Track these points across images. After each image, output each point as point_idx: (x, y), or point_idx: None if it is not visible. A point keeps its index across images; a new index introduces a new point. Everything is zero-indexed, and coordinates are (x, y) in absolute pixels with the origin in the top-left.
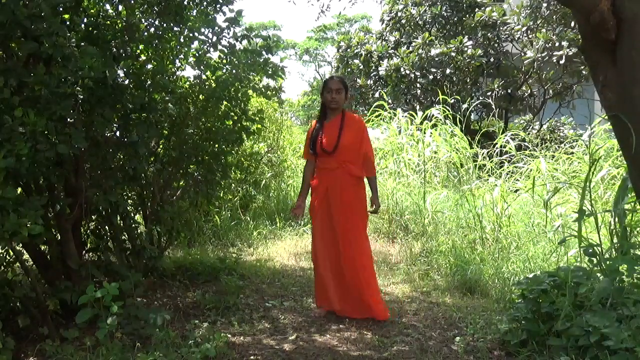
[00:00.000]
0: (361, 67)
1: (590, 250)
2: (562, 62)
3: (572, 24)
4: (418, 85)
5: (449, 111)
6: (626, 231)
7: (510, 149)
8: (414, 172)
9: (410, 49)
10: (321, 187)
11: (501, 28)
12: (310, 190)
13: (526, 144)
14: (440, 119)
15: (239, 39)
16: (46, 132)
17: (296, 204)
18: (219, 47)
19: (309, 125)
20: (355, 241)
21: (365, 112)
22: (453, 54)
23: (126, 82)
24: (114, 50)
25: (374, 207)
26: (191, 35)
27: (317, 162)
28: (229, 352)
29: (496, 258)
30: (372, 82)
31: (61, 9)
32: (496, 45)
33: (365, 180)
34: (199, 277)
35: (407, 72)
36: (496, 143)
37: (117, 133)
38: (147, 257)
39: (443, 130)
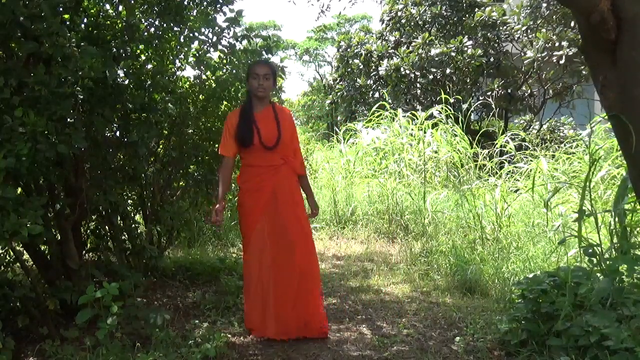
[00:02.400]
0: (361, 67)
1: (590, 250)
2: (562, 62)
3: (572, 24)
4: (418, 85)
5: (450, 111)
6: (626, 231)
7: (510, 149)
8: (414, 172)
9: (410, 49)
10: (267, 188)
11: (501, 28)
12: (240, 192)
13: (526, 144)
14: (442, 119)
15: (239, 39)
16: (46, 132)
17: (216, 209)
18: (219, 47)
19: (225, 118)
20: (311, 247)
21: (366, 112)
22: (453, 54)
23: (126, 82)
24: (114, 50)
25: (314, 210)
26: (191, 35)
27: (252, 160)
28: (229, 352)
29: (496, 258)
30: (372, 82)
31: (61, 9)
32: (496, 45)
33: None
34: (199, 277)
35: (407, 72)
36: (496, 143)
37: (117, 133)
38: (147, 257)
39: (444, 130)
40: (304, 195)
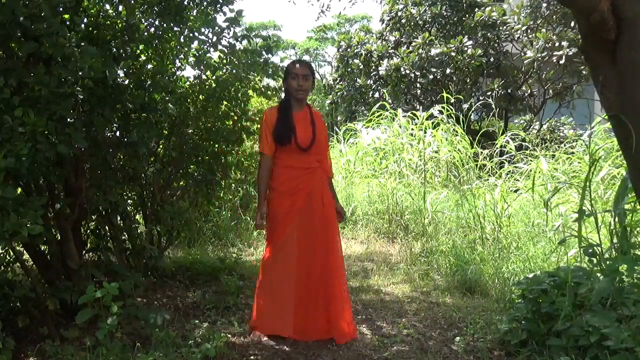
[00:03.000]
0: (361, 67)
1: (590, 250)
2: (562, 62)
3: (572, 24)
4: (418, 85)
5: (452, 110)
6: (626, 231)
7: (510, 149)
8: (414, 172)
9: (410, 48)
10: (302, 192)
11: (501, 28)
12: (272, 193)
13: (526, 144)
14: (443, 119)
15: (239, 39)
16: (46, 132)
17: (260, 213)
18: (219, 47)
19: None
20: (338, 250)
21: (366, 112)
22: (453, 54)
23: (126, 82)
24: (114, 50)
25: (341, 213)
26: (191, 35)
27: (288, 161)
28: (229, 352)
29: (496, 258)
30: (372, 82)
31: (61, 9)
32: (496, 45)
33: None
34: (199, 277)
35: (407, 72)
36: (496, 143)
37: (117, 133)
38: (147, 257)
39: (446, 129)
40: None
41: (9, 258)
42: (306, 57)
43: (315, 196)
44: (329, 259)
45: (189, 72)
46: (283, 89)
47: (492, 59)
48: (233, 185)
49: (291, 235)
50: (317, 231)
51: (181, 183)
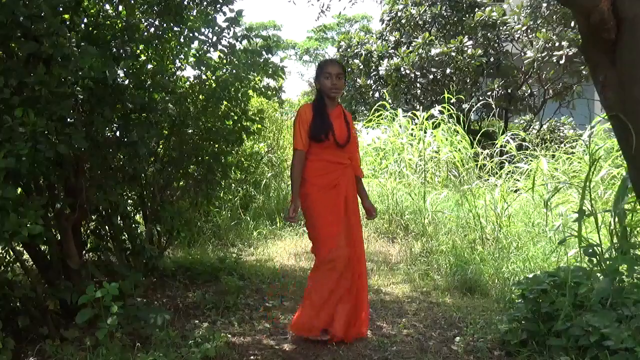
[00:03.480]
0: (361, 67)
1: (590, 250)
2: (562, 62)
3: (572, 24)
4: (418, 85)
5: (453, 110)
6: (626, 231)
7: (510, 148)
8: (414, 172)
9: (410, 48)
10: (341, 187)
11: (501, 28)
12: (310, 188)
13: (526, 144)
14: (444, 119)
15: (239, 39)
16: (46, 132)
17: (292, 206)
18: (219, 47)
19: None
20: (364, 251)
21: (366, 112)
22: (453, 54)
23: (126, 82)
24: (114, 50)
25: (373, 213)
26: (191, 35)
27: (324, 155)
28: (229, 352)
29: (496, 258)
30: (372, 82)
31: (61, 9)
32: (496, 45)
33: None
34: (199, 277)
35: (407, 72)
36: (496, 143)
37: (117, 133)
38: (147, 257)
39: (446, 129)
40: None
41: (9, 258)
42: (306, 57)
43: (350, 193)
44: (362, 259)
45: (189, 72)
46: (315, 88)
47: (492, 59)
48: (233, 185)
49: (346, 229)
50: (357, 230)
51: (181, 183)
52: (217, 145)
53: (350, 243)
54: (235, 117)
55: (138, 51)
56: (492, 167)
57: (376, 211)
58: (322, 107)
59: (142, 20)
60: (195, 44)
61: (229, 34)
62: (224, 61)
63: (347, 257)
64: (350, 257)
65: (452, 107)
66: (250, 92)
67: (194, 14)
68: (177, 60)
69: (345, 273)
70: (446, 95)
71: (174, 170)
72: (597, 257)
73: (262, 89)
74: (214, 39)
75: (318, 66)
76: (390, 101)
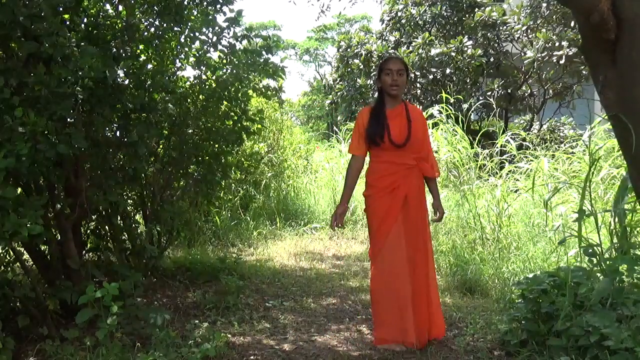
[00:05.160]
0: (361, 67)
1: (590, 250)
2: (562, 62)
3: (572, 24)
4: (418, 85)
5: (451, 110)
6: (626, 231)
7: (511, 148)
8: None
9: (410, 49)
10: (401, 189)
11: (501, 28)
12: (370, 190)
13: (526, 143)
14: (442, 119)
15: (239, 39)
16: (46, 132)
17: (339, 210)
18: (219, 47)
19: (356, 117)
20: (432, 250)
21: None
22: (453, 54)
23: (126, 82)
24: (114, 50)
25: (440, 214)
26: (191, 35)
27: (384, 157)
28: (229, 352)
29: (496, 258)
30: (372, 82)
31: (61, 9)
32: (496, 45)
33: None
34: (199, 277)
35: None
36: (496, 143)
37: (117, 133)
38: (147, 257)
39: (445, 129)
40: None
41: (9, 258)
42: (306, 57)
43: (413, 197)
44: (429, 264)
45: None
46: (377, 87)
47: (492, 59)
48: (233, 185)
49: (398, 235)
50: (419, 233)
51: (181, 183)
52: (217, 145)
53: (411, 245)
54: (235, 117)
55: (138, 51)
56: (492, 167)
57: (443, 214)
58: (379, 108)
59: (142, 20)
60: (196, 44)
61: (229, 34)
62: (224, 61)
63: (405, 259)
64: (413, 259)
65: (451, 107)
66: (250, 92)
67: (194, 14)
68: (177, 60)
69: (404, 276)
70: (444, 95)
71: (174, 170)
72: (597, 257)
73: (262, 89)
74: (214, 39)
75: (379, 66)
76: None
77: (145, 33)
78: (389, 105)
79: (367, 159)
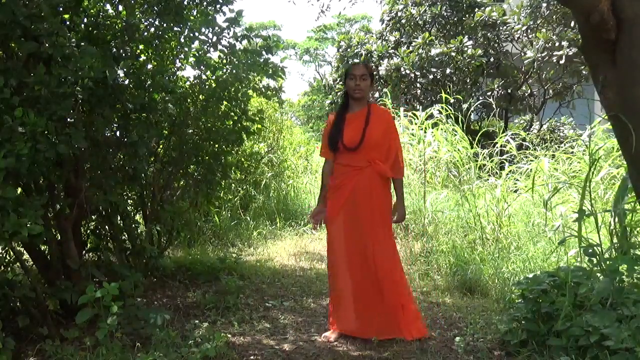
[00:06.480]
0: None
1: (590, 250)
2: (562, 62)
3: (572, 24)
4: (418, 85)
5: (451, 110)
6: (626, 231)
7: (511, 148)
8: (414, 171)
9: (410, 49)
10: (346, 189)
11: (501, 28)
12: (328, 190)
13: (526, 143)
14: (442, 119)
15: (239, 39)
16: (46, 132)
17: (316, 209)
18: (219, 47)
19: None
20: (388, 252)
21: None
22: (453, 54)
23: (126, 82)
24: (114, 50)
25: (398, 215)
26: (191, 35)
27: (340, 159)
28: (229, 352)
29: (496, 258)
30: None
31: (61, 9)
32: (496, 45)
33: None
34: (199, 277)
35: (407, 72)
36: (496, 143)
37: (117, 133)
38: (147, 257)
39: (445, 129)
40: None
41: (9, 258)
42: (306, 57)
43: (361, 195)
44: (375, 260)
45: (189, 72)
46: (344, 92)
47: (492, 59)
48: (233, 185)
49: (338, 233)
50: (362, 232)
51: (181, 183)
52: (217, 145)
53: (354, 243)
54: (235, 117)
55: (138, 51)
56: (492, 167)
57: (403, 216)
58: (342, 113)
59: (142, 20)
60: (195, 44)
61: (229, 34)
62: (224, 61)
63: (343, 256)
64: (354, 258)
65: (451, 107)
66: (250, 92)
67: (194, 14)
68: (177, 60)
69: (343, 271)
70: (444, 95)
71: (174, 170)
72: (597, 257)
73: (262, 89)
74: (214, 39)
75: (344, 71)
76: (390, 101)
77: (145, 33)
78: (353, 109)
79: None
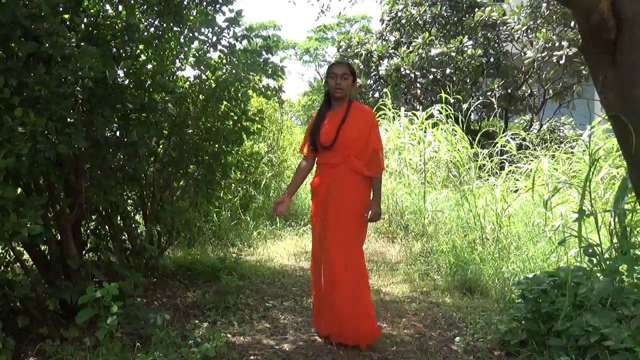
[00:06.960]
0: (361, 67)
1: (590, 250)
2: (562, 62)
3: (572, 24)
4: (418, 85)
5: (450, 110)
6: (626, 231)
7: (511, 148)
8: (414, 171)
9: (410, 49)
10: (323, 186)
11: (501, 28)
12: (311, 194)
13: (526, 143)
14: (442, 119)
15: (239, 39)
16: (46, 132)
17: (277, 200)
18: (219, 47)
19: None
20: (352, 254)
21: None
22: (453, 54)
23: (126, 82)
24: (114, 50)
25: (371, 212)
26: (191, 35)
27: (319, 158)
28: (229, 352)
29: (496, 258)
30: (372, 82)
31: (61, 9)
32: (496, 45)
33: None
34: (199, 277)
35: (407, 72)
36: (496, 143)
37: (117, 133)
38: (147, 257)
39: (445, 129)
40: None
41: (9, 258)
42: (306, 57)
43: (334, 193)
44: (334, 262)
45: (189, 72)
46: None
47: (492, 59)
48: (233, 185)
49: (315, 231)
50: (328, 231)
51: (181, 183)
52: (217, 145)
53: (328, 239)
54: (235, 117)
55: (138, 51)
56: (492, 167)
57: (378, 215)
58: (323, 111)
59: (142, 20)
60: (195, 44)
61: (228, 34)
62: (224, 61)
63: (318, 259)
64: (320, 259)
65: (451, 107)
66: (250, 92)
67: (194, 14)
68: (177, 60)
69: (317, 272)
70: (444, 95)
71: (174, 170)
72: (597, 257)
73: (262, 89)
74: (214, 39)
75: (326, 70)
76: (390, 101)
77: (145, 33)
78: (334, 107)
79: None
